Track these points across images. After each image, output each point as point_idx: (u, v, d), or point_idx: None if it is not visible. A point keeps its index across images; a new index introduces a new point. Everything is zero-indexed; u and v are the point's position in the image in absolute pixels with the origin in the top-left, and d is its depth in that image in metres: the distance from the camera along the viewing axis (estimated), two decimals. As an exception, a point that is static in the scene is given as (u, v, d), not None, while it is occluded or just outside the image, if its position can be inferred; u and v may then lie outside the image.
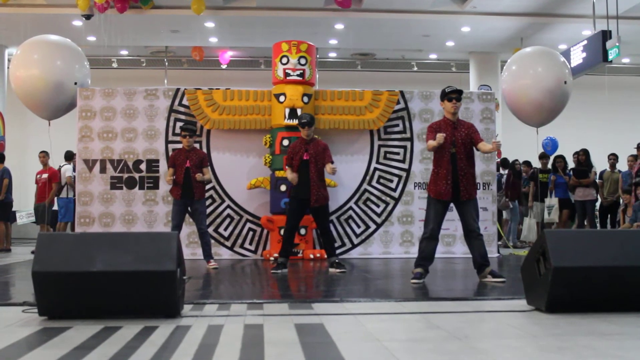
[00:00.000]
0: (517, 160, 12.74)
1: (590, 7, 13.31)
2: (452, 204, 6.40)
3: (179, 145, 8.24)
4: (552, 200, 11.42)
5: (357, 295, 5.34)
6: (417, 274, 6.19)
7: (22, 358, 3.11)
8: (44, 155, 11.98)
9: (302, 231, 9.27)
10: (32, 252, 10.96)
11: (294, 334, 3.62)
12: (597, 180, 11.89)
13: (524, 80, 10.05)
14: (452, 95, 6.26)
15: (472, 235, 6.22)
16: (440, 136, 6.08)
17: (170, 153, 9.33)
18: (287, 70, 9.55)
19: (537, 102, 9.89)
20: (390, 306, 4.74)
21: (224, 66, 18.89)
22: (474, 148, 6.35)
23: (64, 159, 12.38)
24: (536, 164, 12.58)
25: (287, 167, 7.62)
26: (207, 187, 9.26)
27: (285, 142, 9.22)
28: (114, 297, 4.09)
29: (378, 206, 9.87)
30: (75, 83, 9.75)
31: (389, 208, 9.88)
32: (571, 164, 12.33)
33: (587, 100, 18.79)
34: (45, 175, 11.92)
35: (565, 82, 9.84)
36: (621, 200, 11.48)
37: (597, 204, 12.21)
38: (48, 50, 9.81)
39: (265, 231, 9.64)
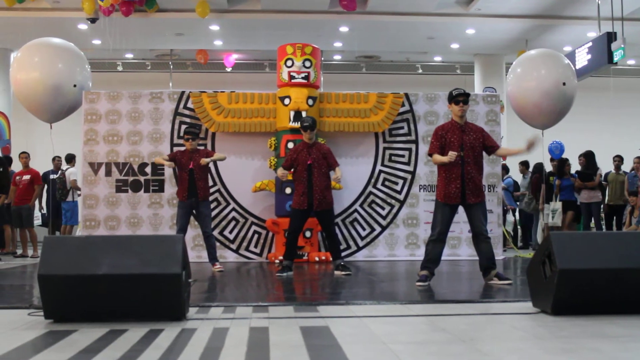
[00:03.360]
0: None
1: (595, 9, 13.28)
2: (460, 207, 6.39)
3: (184, 148, 8.23)
4: (556, 205, 11.39)
5: (362, 297, 5.34)
6: (422, 276, 6.18)
7: (28, 361, 3.12)
8: (26, 157, 11.79)
9: (308, 234, 9.27)
10: (32, 257, 11.03)
11: (300, 337, 3.62)
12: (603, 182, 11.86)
13: (526, 82, 10.05)
14: (459, 99, 6.24)
15: (480, 238, 6.21)
16: (452, 154, 6.07)
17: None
18: (291, 73, 9.56)
19: (537, 103, 9.90)
20: (395, 309, 4.73)
21: (228, 69, 18.92)
22: (490, 152, 6.32)
23: (65, 162, 12.39)
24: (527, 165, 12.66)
25: (282, 167, 7.60)
26: (212, 189, 9.26)
27: (290, 145, 9.22)
28: (120, 300, 4.10)
29: (383, 209, 9.87)
30: (75, 85, 9.70)
31: (394, 210, 9.87)
32: (575, 166, 12.28)
33: (592, 102, 18.75)
34: (26, 177, 11.53)
35: (564, 84, 9.80)
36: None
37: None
38: (47, 53, 9.78)
39: (270, 234, 9.65)
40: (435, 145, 6.31)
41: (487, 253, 6.21)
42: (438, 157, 6.23)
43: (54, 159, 12.30)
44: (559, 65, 10.04)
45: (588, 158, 11.60)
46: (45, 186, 12.12)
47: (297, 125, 9.18)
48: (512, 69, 10.42)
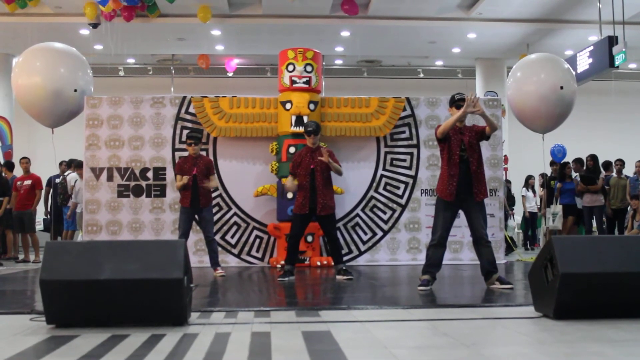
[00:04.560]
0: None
1: (596, 13, 13.30)
2: (460, 211, 6.40)
3: (186, 153, 8.25)
4: (557, 208, 11.39)
5: (364, 302, 5.33)
6: (424, 281, 6.18)
7: (30, 366, 3.12)
8: (27, 162, 11.80)
9: (309, 238, 9.27)
10: (32, 262, 11.04)
11: (301, 342, 3.61)
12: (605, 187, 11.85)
13: (525, 86, 10.07)
14: (461, 103, 6.27)
15: (481, 243, 6.21)
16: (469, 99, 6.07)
17: (177, 161, 9.32)
18: (293, 78, 9.57)
19: (535, 108, 9.93)
20: (397, 313, 4.73)
21: (230, 74, 18.95)
22: (486, 135, 6.32)
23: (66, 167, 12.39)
24: (537, 170, 12.60)
25: (290, 175, 7.63)
26: (214, 194, 9.28)
27: (292, 150, 9.23)
28: (121, 305, 4.10)
29: (385, 213, 9.86)
30: (75, 90, 9.70)
31: (396, 215, 9.86)
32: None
33: (593, 105, 18.76)
34: (27, 182, 11.51)
35: (561, 87, 9.80)
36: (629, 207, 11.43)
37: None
38: (49, 58, 9.79)
39: (272, 238, 9.64)
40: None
41: (488, 257, 6.21)
42: (448, 120, 6.20)
43: (61, 164, 12.30)
44: (557, 70, 10.05)
45: (594, 161, 11.61)
46: (51, 191, 12.12)
47: (298, 129, 9.20)
48: (512, 72, 10.44)
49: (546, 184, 12.04)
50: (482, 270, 6.29)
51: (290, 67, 9.61)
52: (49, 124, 9.88)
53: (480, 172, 6.28)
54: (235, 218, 9.72)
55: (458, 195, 6.19)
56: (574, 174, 11.98)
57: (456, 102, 6.32)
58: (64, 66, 9.78)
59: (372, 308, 4.95)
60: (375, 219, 9.85)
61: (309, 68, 9.62)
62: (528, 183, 14.55)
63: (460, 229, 9.17)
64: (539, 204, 13.97)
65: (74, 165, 11.82)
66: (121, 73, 19.09)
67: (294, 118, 9.43)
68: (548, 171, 12.60)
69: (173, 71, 18.86)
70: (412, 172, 9.93)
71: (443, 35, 16.09)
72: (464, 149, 6.23)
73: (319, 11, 14.56)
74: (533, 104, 9.93)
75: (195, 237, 9.28)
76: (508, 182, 12.89)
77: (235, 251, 9.69)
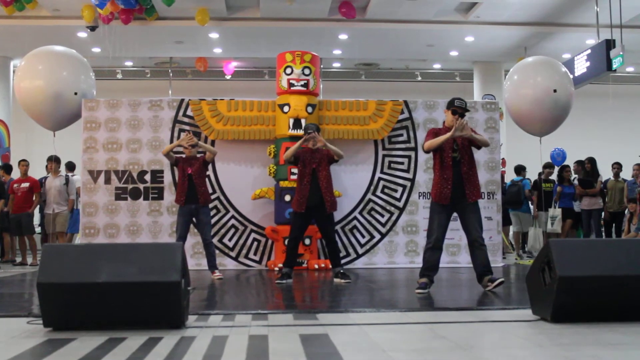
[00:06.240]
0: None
1: (594, 16, 13.32)
2: (455, 214, 6.40)
3: (183, 156, 8.23)
4: (556, 211, 11.38)
5: (362, 305, 5.34)
6: (422, 284, 6.18)
7: (27, 369, 3.11)
8: (26, 164, 11.74)
9: (307, 241, 9.26)
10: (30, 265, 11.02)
11: (299, 345, 3.61)
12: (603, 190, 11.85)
13: (521, 89, 10.09)
14: (457, 111, 6.30)
15: (475, 245, 6.24)
16: (457, 124, 6.10)
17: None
18: (291, 81, 9.57)
19: (530, 111, 9.95)
20: (395, 316, 4.73)
21: (228, 77, 18.96)
22: (476, 146, 6.37)
23: (66, 170, 12.35)
24: (535, 173, 12.60)
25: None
26: (212, 197, 9.27)
27: (290, 152, 9.23)
28: (119, 308, 4.09)
29: (382, 216, 9.86)
30: (76, 93, 9.69)
31: (394, 218, 9.86)
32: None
33: (591, 109, 18.78)
34: (25, 185, 11.44)
35: (554, 91, 9.81)
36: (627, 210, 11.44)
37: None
38: (51, 61, 9.81)
39: (269, 241, 9.64)
40: (429, 138, 6.32)
41: (482, 261, 6.22)
42: (436, 139, 6.20)
43: (46, 167, 12.22)
44: (552, 73, 10.07)
45: (593, 164, 11.63)
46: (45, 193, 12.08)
47: (296, 132, 9.20)
48: (509, 76, 10.46)
49: (539, 186, 12.03)
50: (477, 274, 6.32)
51: (288, 70, 9.62)
52: (50, 126, 9.90)
53: (472, 173, 6.30)
54: (232, 221, 9.72)
55: (452, 198, 6.21)
56: (573, 176, 11.98)
57: (453, 107, 6.33)
58: (66, 69, 9.81)
59: (370, 311, 4.95)
60: (373, 221, 9.85)
61: (307, 71, 9.62)
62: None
63: (458, 232, 9.12)
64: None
65: (55, 161, 11.64)
66: (119, 76, 19.08)
67: (291, 121, 9.42)
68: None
69: (171, 74, 18.84)
70: (409, 175, 9.93)
71: (441, 39, 16.10)
72: (456, 149, 6.25)
73: (317, 14, 14.56)
74: (529, 107, 9.95)
75: (193, 240, 9.26)
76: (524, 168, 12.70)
77: (233, 254, 9.68)
